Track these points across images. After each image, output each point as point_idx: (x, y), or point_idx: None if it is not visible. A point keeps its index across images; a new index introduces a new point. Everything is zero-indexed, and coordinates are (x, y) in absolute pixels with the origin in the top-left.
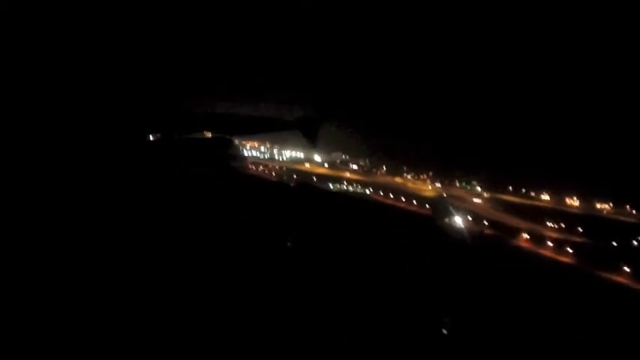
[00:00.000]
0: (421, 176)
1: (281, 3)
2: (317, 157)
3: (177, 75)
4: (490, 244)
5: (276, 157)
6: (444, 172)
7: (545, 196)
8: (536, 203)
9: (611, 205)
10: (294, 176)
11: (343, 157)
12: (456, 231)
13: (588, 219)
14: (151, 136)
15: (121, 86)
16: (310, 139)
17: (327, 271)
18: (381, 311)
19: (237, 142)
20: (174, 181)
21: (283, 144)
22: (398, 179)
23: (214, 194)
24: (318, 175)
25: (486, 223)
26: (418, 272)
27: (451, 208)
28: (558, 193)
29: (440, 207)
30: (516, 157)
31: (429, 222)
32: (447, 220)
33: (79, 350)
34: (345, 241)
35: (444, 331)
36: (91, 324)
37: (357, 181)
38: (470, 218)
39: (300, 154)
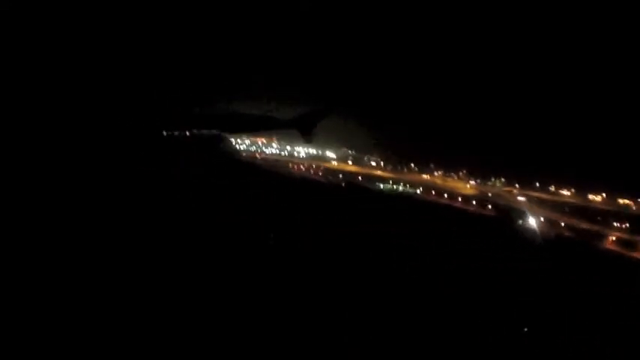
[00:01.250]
0: (449, 173)
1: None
2: (330, 154)
3: (174, 74)
4: (571, 247)
5: (295, 154)
6: (472, 169)
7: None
8: (579, 202)
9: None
10: (341, 176)
11: (350, 152)
12: (531, 233)
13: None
14: (148, 134)
15: (118, 86)
16: (306, 136)
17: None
18: (463, 311)
19: (234, 138)
20: (171, 177)
21: (290, 140)
22: (426, 177)
23: (213, 190)
24: (350, 173)
25: (562, 224)
26: (498, 275)
27: (524, 210)
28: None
29: (512, 209)
30: (542, 154)
31: (498, 224)
32: (520, 222)
33: (79, 345)
34: (418, 244)
35: (525, 329)
36: (90, 318)
37: (397, 180)
38: (542, 219)
39: (312, 151)
